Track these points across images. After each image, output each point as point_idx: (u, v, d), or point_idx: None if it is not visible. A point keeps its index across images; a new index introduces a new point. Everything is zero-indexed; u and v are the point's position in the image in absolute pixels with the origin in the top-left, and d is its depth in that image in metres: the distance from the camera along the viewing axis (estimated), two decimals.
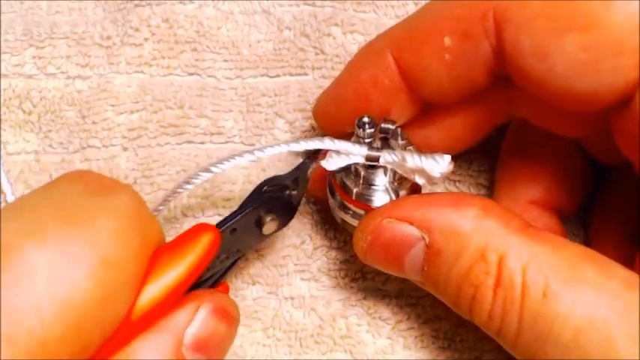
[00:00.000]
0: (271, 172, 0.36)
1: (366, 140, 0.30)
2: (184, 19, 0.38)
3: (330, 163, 0.30)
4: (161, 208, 0.31)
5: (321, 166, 0.30)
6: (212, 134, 0.37)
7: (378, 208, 0.30)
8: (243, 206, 0.30)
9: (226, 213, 0.35)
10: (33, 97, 0.37)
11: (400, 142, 0.30)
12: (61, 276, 0.22)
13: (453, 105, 0.31)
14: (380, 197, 0.30)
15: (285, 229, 0.34)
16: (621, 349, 0.24)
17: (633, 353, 0.24)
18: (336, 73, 0.37)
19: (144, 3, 0.38)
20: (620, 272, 0.26)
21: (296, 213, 0.32)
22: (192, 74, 0.37)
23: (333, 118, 0.33)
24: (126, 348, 0.25)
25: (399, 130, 0.30)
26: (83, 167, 0.36)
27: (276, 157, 0.37)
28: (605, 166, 0.34)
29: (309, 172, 0.31)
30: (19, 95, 0.37)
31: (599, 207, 0.35)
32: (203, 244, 0.27)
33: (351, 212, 0.31)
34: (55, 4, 0.38)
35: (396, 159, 0.29)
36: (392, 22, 0.38)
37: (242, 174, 0.36)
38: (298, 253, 0.35)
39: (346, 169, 0.31)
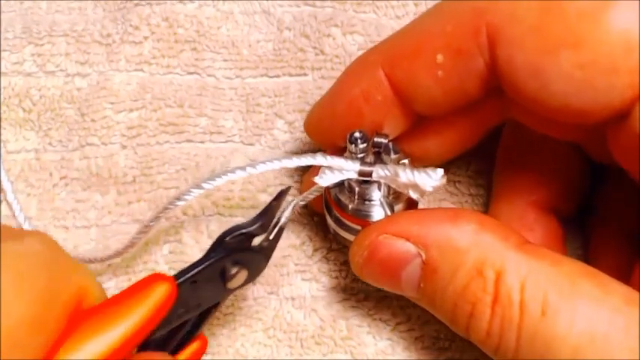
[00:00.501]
0: (270, 173, 0.36)
1: (359, 155, 0.30)
2: (184, 19, 0.38)
3: (324, 180, 0.30)
4: (152, 223, 0.31)
5: (312, 181, 0.30)
6: (212, 133, 0.37)
7: (373, 223, 0.30)
8: (205, 256, 0.28)
9: (226, 212, 0.35)
10: (32, 95, 0.37)
11: (393, 156, 0.29)
12: None
13: (446, 115, 0.31)
14: (375, 212, 0.30)
15: (285, 230, 0.34)
16: None
17: None
18: (336, 74, 0.37)
19: (144, 2, 0.38)
20: (619, 288, 0.26)
21: (267, 265, 0.30)
22: (191, 73, 0.37)
23: (325, 132, 0.32)
24: None
25: (391, 144, 0.30)
26: (82, 165, 0.36)
27: (275, 156, 0.37)
28: (602, 165, 0.34)
29: (281, 217, 0.29)
30: (18, 94, 0.37)
31: (598, 207, 0.35)
32: (156, 296, 0.25)
33: (346, 227, 0.31)
34: (55, 3, 0.38)
35: (388, 174, 0.29)
36: (392, 23, 0.38)
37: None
38: (299, 253, 0.35)
39: (340, 185, 0.31)
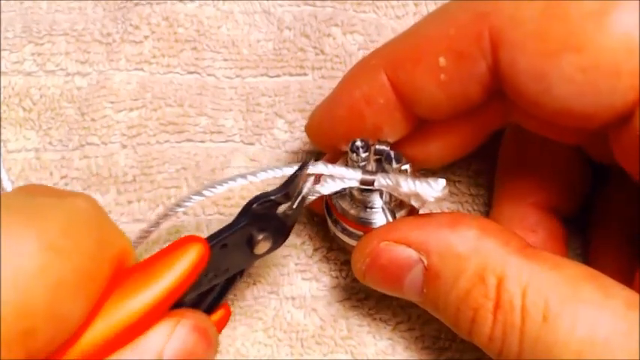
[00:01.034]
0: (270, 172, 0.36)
1: (361, 164, 0.30)
2: (184, 18, 0.38)
3: (325, 188, 0.30)
4: (152, 229, 0.31)
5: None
6: (212, 133, 0.37)
7: (374, 230, 0.30)
8: (234, 222, 0.29)
9: (226, 211, 0.35)
10: (33, 94, 0.37)
11: (394, 165, 0.29)
12: (6, 259, 0.22)
13: (448, 119, 0.31)
14: (377, 218, 0.30)
15: None
16: None
17: None
18: (336, 74, 0.37)
19: (144, 2, 0.38)
20: (621, 292, 0.26)
21: (290, 234, 0.31)
22: (192, 73, 0.37)
23: (326, 135, 0.32)
24: None
25: (392, 153, 0.30)
26: (82, 165, 0.36)
27: (275, 157, 0.37)
28: (604, 166, 0.34)
29: (303, 187, 0.30)
30: (18, 93, 0.37)
31: (599, 207, 0.35)
32: (191, 256, 0.26)
33: (347, 232, 0.31)
34: (55, 3, 0.38)
35: (390, 183, 0.29)
36: (392, 23, 0.38)
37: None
38: (299, 253, 0.35)
39: (342, 192, 0.31)
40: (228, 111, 0.37)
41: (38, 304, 0.22)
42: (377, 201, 0.30)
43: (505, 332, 0.26)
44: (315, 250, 0.35)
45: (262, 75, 0.38)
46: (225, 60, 0.38)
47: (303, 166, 0.30)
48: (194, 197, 0.30)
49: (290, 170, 0.30)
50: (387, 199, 0.30)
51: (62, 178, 0.35)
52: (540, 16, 0.26)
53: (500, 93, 0.28)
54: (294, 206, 0.30)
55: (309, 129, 0.33)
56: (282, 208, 0.29)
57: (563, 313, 0.25)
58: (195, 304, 0.29)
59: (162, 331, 0.26)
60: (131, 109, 0.36)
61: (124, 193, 0.35)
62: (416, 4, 0.38)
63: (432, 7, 0.38)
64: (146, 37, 0.37)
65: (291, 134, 0.37)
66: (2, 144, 0.36)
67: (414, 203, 0.29)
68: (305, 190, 0.30)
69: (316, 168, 0.30)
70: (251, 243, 0.29)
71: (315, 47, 0.38)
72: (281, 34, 0.38)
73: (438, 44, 0.28)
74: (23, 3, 0.38)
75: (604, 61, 0.25)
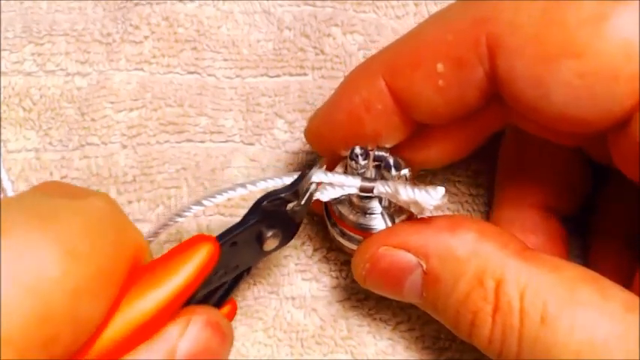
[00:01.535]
0: (270, 173, 0.36)
1: (360, 171, 0.30)
2: (184, 18, 0.38)
3: (324, 195, 0.30)
4: (151, 239, 0.31)
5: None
6: (212, 133, 0.36)
7: (374, 235, 0.30)
8: (244, 220, 0.29)
9: (227, 212, 0.35)
10: (33, 94, 0.37)
11: (393, 173, 0.30)
12: (24, 264, 0.22)
13: (447, 124, 0.31)
14: (376, 223, 0.30)
15: None
16: None
17: None
18: (336, 74, 0.37)
19: (144, 2, 0.38)
20: (619, 294, 0.26)
21: (299, 230, 0.31)
22: (192, 73, 0.37)
23: (325, 141, 0.32)
24: None
25: (392, 160, 0.30)
26: (82, 165, 0.36)
27: (275, 157, 0.37)
28: (604, 166, 0.34)
29: (311, 185, 0.30)
30: (18, 93, 0.37)
31: (599, 207, 0.35)
32: (201, 255, 0.27)
33: (347, 237, 0.32)
34: (55, 3, 0.38)
35: (389, 190, 0.29)
36: (392, 23, 0.38)
37: (242, 174, 0.36)
38: (299, 253, 0.35)
39: (341, 197, 0.31)
40: (228, 111, 0.37)
41: (59, 310, 0.22)
42: (376, 206, 0.31)
43: (504, 334, 0.27)
44: (315, 250, 0.35)
45: (262, 75, 0.38)
46: (225, 60, 0.38)
47: (311, 167, 0.30)
48: (193, 207, 0.30)
49: (289, 179, 0.30)
50: (387, 204, 0.30)
51: (62, 178, 0.35)
52: (538, 22, 0.26)
53: (499, 97, 0.28)
54: (302, 202, 0.30)
55: (308, 134, 0.33)
56: (290, 206, 0.30)
57: (562, 316, 0.25)
58: (204, 300, 0.29)
59: (175, 329, 0.26)
60: (131, 109, 0.36)
61: (124, 193, 0.35)
62: (416, 4, 0.38)
63: (433, 7, 0.38)
64: (146, 37, 0.37)
65: (291, 134, 0.37)
66: (2, 144, 0.36)
67: (413, 210, 0.29)
68: (313, 187, 0.30)
69: (315, 176, 0.30)
70: (260, 240, 0.30)
71: (315, 47, 0.38)
72: (281, 34, 0.38)
73: (435, 50, 0.28)
74: (23, 3, 0.38)
75: (602, 66, 0.25)
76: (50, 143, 0.36)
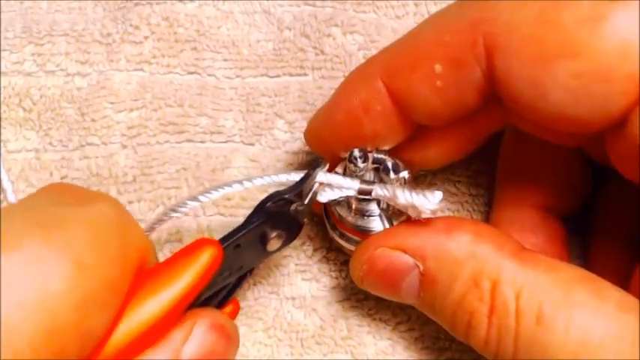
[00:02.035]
0: (270, 172, 0.36)
1: (359, 173, 0.30)
2: (184, 18, 0.38)
3: (323, 196, 0.30)
4: (147, 233, 0.31)
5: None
6: (212, 133, 0.36)
7: (371, 237, 0.30)
8: (247, 221, 0.29)
9: (227, 212, 0.35)
10: (33, 94, 0.36)
11: (392, 176, 0.30)
12: (30, 279, 0.22)
13: (445, 124, 0.31)
14: (374, 225, 0.31)
15: None
16: None
17: None
18: (336, 74, 0.37)
19: (144, 2, 0.38)
20: (615, 294, 0.26)
21: (302, 229, 0.31)
22: (192, 73, 0.37)
23: (325, 142, 0.32)
24: None
25: (390, 163, 0.30)
26: (82, 165, 0.36)
27: (275, 157, 0.37)
28: (603, 166, 0.34)
29: (314, 185, 0.30)
30: (18, 93, 0.37)
31: (599, 208, 0.35)
32: (204, 259, 0.27)
33: (345, 238, 0.32)
34: (55, 3, 0.38)
35: (387, 194, 0.29)
36: (392, 23, 0.38)
37: (242, 174, 0.36)
38: (299, 253, 0.35)
39: (339, 199, 0.31)
40: (228, 111, 0.37)
41: (67, 324, 0.22)
42: (375, 208, 0.31)
43: (500, 335, 0.27)
44: (315, 250, 0.35)
45: (262, 75, 0.38)
46: (225, 60, 0.38)
47: (316, 166, 0.30)
48: (190, 202, 0.30)
49: (286, 177, 0.30)
50: (385, 206, 0.30)
51: (62, 178, 0.35)
52: (534, 23, 0.26)
53: (497, 97, 0.28)
54: (306, 202, 0.30)
55: (307, 135, 0.33)
56: (294, 206, 0.30)
57: (557, 316, 0.26)
58: (207, 301, 0.29)
59: (179, 333, 0.26)
60: (131, 110, 0.36)
61: (124, 193, 0.35)
62: (416, 4, 0.38)
63: (432, 7, 0.38)
64: (146, 38, 0.37)
65: (292, 134, 0.37)
66: (2, 144, 0.36)
67: (411, 214, 0.29)
68: (316, 187, 0.30)
69: (315, 177, 0.30)
70: (264, 240, 0.30)
71: (315, 47, 0.38)
72: (281, 35, 0.38)
73: (433, 51, 0.28)
74: (23, 3, 0.38)
75: (598, 66, 0.25)
76: (50, 143, 0.36)
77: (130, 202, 0.35)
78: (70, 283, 0.22)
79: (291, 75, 0.38)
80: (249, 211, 0.35)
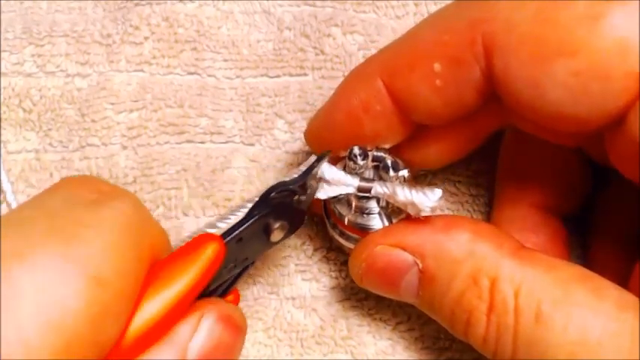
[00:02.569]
0: (270, 173, 0.36)
1: (359, 171, 0.30)
2: (184, 19, 0.38)
3: (322, 193, 0.30)
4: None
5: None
6: (212, 134, 0.37)
7: (371, 234, 0.30)
8: (249, 214, 0.29)
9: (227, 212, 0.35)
10: (33, 95, 0.37)
11: (392, 174, 0.30)
12: (48, 297, 0.22)
13: (445, 124, 0.31)
14: (374, 223, 0.31)
15: None
16: None
17: None
18: (336, 74, 0.37)
19: (144, 2, 0.38)
20: (614, 292, 0.26)
21: (305, 219, 0.31)
22: (192, 73, 0.37)
23: (325, 142, 0.32)
24: None
25: (389, 161, 0.30)
26: (82, 166, 0.36)
27: (275, 158, 0.37)
28: (603, 166, 0.34)
29: (318, 174, 0.30)
30: (18, 94, 0.37)
31: (599, 207, 0.35)
32: (207, 255, 0.27)
33: (345, 236, 0.32)
34: (55, 3, 0.38)
35: (387, 191, 0.29)
36: (392, 23, 0.38)
37: (242, 174, 0.36)
38: (299, 253, 0.35)
39: (339, 197, 0.31)
40: (229, 112, 0.37)
41: (84, 338, 0.22)
42: (374, 206, 0.31)
43: (499, 333, 0.27)
44: (315, 250, 0.35)
45: (262, 75, 0.38)
46: (225, 60, 0.38)
47: (320, 158, 0.30)
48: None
49: (293, 173, 0.30)
50: (385, 204, 0.30)
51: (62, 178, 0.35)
52: (533, 22, 0.26)
53: (497, 97, 0.28)
54: (308, 192, 0.30)
55: (307, 136, 0.33)
56: (297, 197, 0.30)
57: (556, 315, 0.26)
58: (212, 293, 0.29)
59: (187, 327, 0.26)
60: (131, 110, 0.36)
61: None
62: (416, 4, 0.38)
63: (432, 7, 0.38)
64: (146, 38, 0.37)
65: (292, 134, 0.37)
66: (2, 145, 0.36)
67: (410, 211, 0.29)
68: (320, 171, 0.30)
69: (316, 173, 0.30)
70: (267, 231, 0.30)
71: (315, 47, 0.38)
72: (281, 35, 0.38)
73: (432, 50, 0.28)
74: (23, 3, 0.38)
75: (596, 64, 0.25)
76: (50, 144, 0.36)
77: None
78: (88, 300, 0.22)
79: (291, 75, 0.38)
80: None
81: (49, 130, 0.36)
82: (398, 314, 0.35)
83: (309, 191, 0.30)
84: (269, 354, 0.34)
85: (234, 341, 0.28)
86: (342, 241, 0.32)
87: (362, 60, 0.37)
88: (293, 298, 0.35)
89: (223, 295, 0.30)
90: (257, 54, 0.38)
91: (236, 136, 0.37)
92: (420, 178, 0.37)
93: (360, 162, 0.30)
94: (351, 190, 0.30)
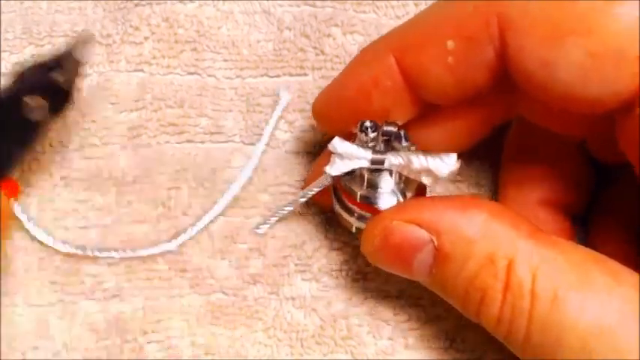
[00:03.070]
0: (271, 173, 0.36)
1: (370, 144, 0.30)
2: (184, 19, 0.38)
3: (334, 169, 0.30)
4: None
5: (321, 170, 0.30)
6: (212, 134, 0.36)
7: (386, 210, 0.30)
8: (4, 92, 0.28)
9: (227, 212, 0.35)
10: None
11: (404, 144, 0.29)
12: None
13: (453, 106, 0.31)
14: (386, 200, 0.30)
15: (285, 229, 0.35)
16: (630, 355, 0.24)
17: None
18: (336, 74, 0.37)
19: (144, 2, 0.38)
20: (629, 277, 0.26)
21: (71, 99, 0.30)
22: (192, 73, 0.37)
23: (333, 117, 0.32)
24: None
25: (402, 132, 0.29)
26: (82, 165, 0.36)
27: (275, 157, 0.37)
28: (605, 165, 0.34)
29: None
30: None
31: (600, 206, 0.35)
32: None
33: (356, 215, 0.31)
34: (55, 3, 0.38)
35: (401, 161, 0.29)
36: (392, 23, 0.38)
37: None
38: (299, 253, 0.35)
39: (350, 173, 0.30)
40: (229, 111, 0.37)
41: None
42: (386, 181, 0.30)
43: (513, 314, 0.26)
44: (315, 250, 0.35)
45: (262, 75, 0.38)
46: (226, 60, 0.38)
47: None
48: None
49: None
50: (397, 179, 0.30)
51: (62, 179, 0.35)
52: (548, 2, 0.26)
53: (507, 83, 0.28)
54: (69, 72, 0.29)
55: (315, 110, 0.33)
56: (55, 74, 0.29)
57: (572, 297, 0.25)
58: None
59: None
60: (131, 111, 0.36)
61: (124, 193, 0.35)
62: (416, 4, 0.38)
63: None
64: (146, 38, 0.37)
65: (292, 134, 0.37)
66: None
67: (426, 180, 0.29)
68: (285, 211, 0.31)
69: (328, 146, 0.29)
70: (22, 110, 0.29)
71: (315, 47, 0.38)
72: (281, 35, 0.38)
73: (446, 28, 0.28)
74: (23, 3, 0.38)
75: (610, 45, 0.25)
76: (50, 144, 0.36)
77: (130, 203, 0.35)
78: None
79: (291, 75, 0.38)
80: (249, 211, 0.35)
81: (49, 130, 0.36)
82: (398, 314, 0.35)
83: (69, 72, 0.29)
84: (269, 354, 0.34)
85: None
86: (354, 222, 0.31)
87: None
88: (293, 298, 0.35)
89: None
90: (257, 54, 0.38)
91: (236, 136, 0.37)
92: None
93: (371, 134, 0.29)
94: (365, 163, 0.29)
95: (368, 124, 0.29)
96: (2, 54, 0.37)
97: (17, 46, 0.37)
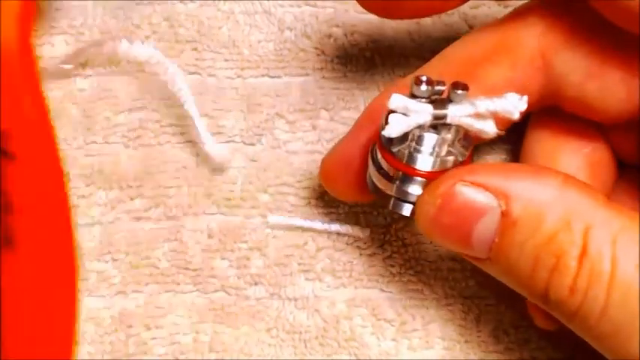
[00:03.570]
0: (272, 172, 0.36)
1: (424, 100, 0.27)
2: (185, 19, 0.38)
3: (394, 129, 0.26)
4: None
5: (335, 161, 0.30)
6: (213, 133, 0.36)
7: (452, 170, 0.27)
8: None
9: (227, 212, 0.35)
10: None
11: (460, 92, 0.26)
12: None
13: None
14: (437, 163, 0.27)
15: (287, 229, 0.34)
16: None
17: None
18: (337, 75, 0.37)
19: (145, 2, 0.38)
20: None
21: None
22: (192, 73, 0.37)
23: (341, 180, 0.32)
24: None
25: (457, 82, 0.27)
26: (85, 162, 0.36)
27: (275, 156, 0.36)
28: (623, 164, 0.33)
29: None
30: None
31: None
32: None
33: (398, 183, 0.28)
34: (55, 3, 0.38)
35: (465, 110, 0.26)
36: (392, 24, 0.38)
37: (242, 174, 0.36)
38: (302, 253, 0.35)
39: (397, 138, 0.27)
40: (229, 111, 0.37)
41: None
42: (437, 145, 0.27)
43: (591, 282, 0.24)
44: (318, 250, 0.35)
45: (263, 75, 0.37)
46: (226, 60, 0.37)
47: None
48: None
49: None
50: (454, 136, 0.27)
51: (65, 175, 0.35)
52: None
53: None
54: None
55: (323, 176, 0.33)
56: None
57: None
58: None
59: None
60: (131, 110, 0.36)
61: (125, 189, 0.35)
62: None
63: None
64: (147, 38, 0.37)
65: (292, 134, 0.37)
66: None
67: (489, 131, 0.26)
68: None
69: (393, 99, 0.26)
70: None
71: (316, 48, 0.38)
72: (282, 35, 0.38)
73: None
74: None
75: None
76: None
77: (132, 199, 0.35)
78: None
79: (292, 75, 0.38)
80: (249, 211, 0.35)
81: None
82: (401, 315, 0.34)
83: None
84: (272, 353, 0.34)
85: None
86: (391, 190, 0.28)
87: (362, 60, 0.37)
88: (296, 299, 0.34)
89: None
90: (258, 54, 0.38)
91: (237, 136, 0.36)
92: None
93: (425, 87, 0.26)
94: (427, 117, 0.26)
95: (423, 78, 0.26)
96: None
97: None
